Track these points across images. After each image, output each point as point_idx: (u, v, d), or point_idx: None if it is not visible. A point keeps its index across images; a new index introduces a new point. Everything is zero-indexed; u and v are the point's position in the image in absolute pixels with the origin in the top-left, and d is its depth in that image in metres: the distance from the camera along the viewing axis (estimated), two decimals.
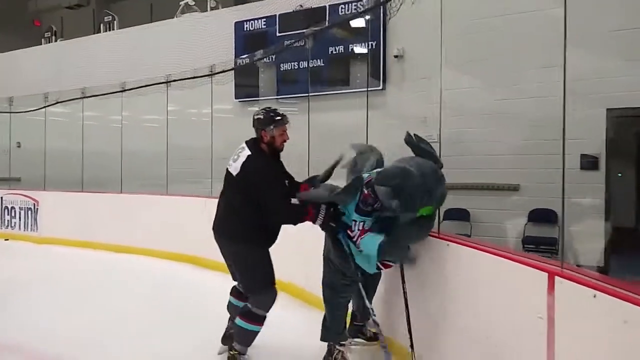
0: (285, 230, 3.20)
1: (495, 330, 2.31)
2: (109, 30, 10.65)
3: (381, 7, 5.46)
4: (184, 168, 7.29)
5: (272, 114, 3.15)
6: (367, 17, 5.31)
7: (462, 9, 5.49)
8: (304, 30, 7.31)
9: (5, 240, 8.32)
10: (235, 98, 8.17)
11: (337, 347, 3.22)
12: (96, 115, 8.49)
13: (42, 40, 12.27)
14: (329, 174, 3.29)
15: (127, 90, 7.40)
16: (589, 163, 5.91)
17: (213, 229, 3.27)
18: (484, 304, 2.42)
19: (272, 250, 3.21)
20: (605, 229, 5.84)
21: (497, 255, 2.38)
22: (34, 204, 8.21)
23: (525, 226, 5.97)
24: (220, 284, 3.83)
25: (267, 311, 3.14)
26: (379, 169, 2.99)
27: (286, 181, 3.23)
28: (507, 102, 5.98)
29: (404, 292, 2.90)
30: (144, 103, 7.58)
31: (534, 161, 5.87)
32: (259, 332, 3.15)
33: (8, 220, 8.55)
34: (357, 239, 2.85)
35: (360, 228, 2.82)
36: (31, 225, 8.24)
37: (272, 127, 3.10)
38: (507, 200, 6.26)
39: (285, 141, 3.18)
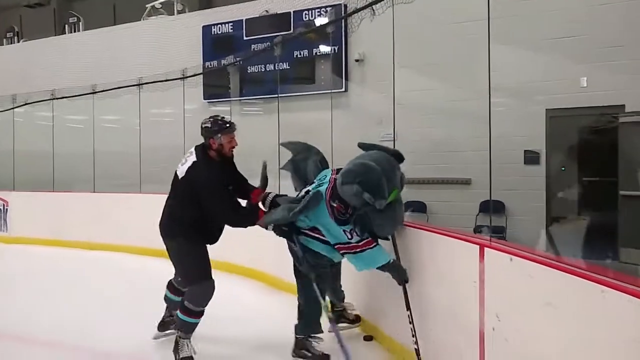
0: None
1: (447, 296, 2.78)
2: (74, 31, 10.71)
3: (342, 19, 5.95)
4: (156, 167, 7.55)
5: (220, 122, 3.22)
6: (330, 29, 5.68)
7: (416, 18, 5.92)
8: (271, 35, 7.74)
9: None
10: (204, 99, 8.47)
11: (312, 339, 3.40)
12: (67, 117, 8.63)
13: (4, 40, 12.18)
14: (264, 182, 3.45)
15: (99, 92, 7.59)
16: (531, 158, 6.54)
17: (159, 228, 3.42)
18: (434, 275, 2.89)
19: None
20: (546, 218, 6.47)
21: (440, 233, 2.86)
22: (3, 205, 8.29)
23: (476, 217, 6.50)
24: None
25: (203, 306, 3.26)
26: (326, 172, 3.30)
27: (230, 187, 3.29)
28: (459, 101, 6.47)
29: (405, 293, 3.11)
30: (115, 105, 7.79)
31: (484, 156, 6.43)
32: (198, 323, 3.30)
33: None
34: (362, 249, 3.05)
35: (355, 235, 3.05)
36: (1, 225, 8.32)
37: (219, 135, 3.18)
38: (460, 193, 6.81)
39: (233, 147, 3.26)
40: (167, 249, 3.40)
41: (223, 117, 3.30)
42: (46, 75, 8.88)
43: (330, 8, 7.43)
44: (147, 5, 9.87)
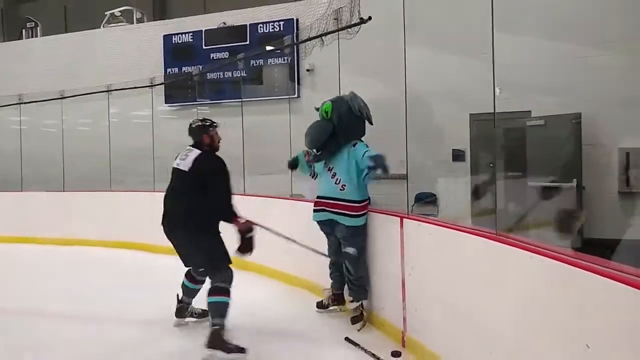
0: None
1: (381, 257, 3.69)
2: (32, 36, 10.99)
3: (294, 31, 6.79)
4: (124, 167, 8.11)
5: (208, 121, 3.76)
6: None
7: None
8: (228, 45, 8.51)
9: None
10: (165, 103, 9.07)
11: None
12: (37, 121, 9.05)
13: None
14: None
15: (67, 97, 8.09)
16: (458, 156, 7.62)
17: (163, 224, 3.56)
18: (371, 242, 3.82)
19: None
20: (471, 207, 7.53)
21: (375, 212, 3.79)
22: None
23: (412, 206, 7.47)
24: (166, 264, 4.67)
25: (231, 284, 3.50)
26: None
27: None
28: (396, 103, 7.42)
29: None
30: (84, 109, 8.31)
31: (417, 153, 7.42)
32: (229, 302, 3.44)
33: None
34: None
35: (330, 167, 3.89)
36: None
37: (211, 130, 3.69)
38: (398, 187, 7.77)
39: (220, 140, 3.75)
40: (179, 242, 3.58)
41: (207, 118, 3.84)
42: (12, 79, 9.21)
43: (282, 22, 8.32)
44: (106, 13, 10.35)
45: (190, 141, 3.72)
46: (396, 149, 7.44)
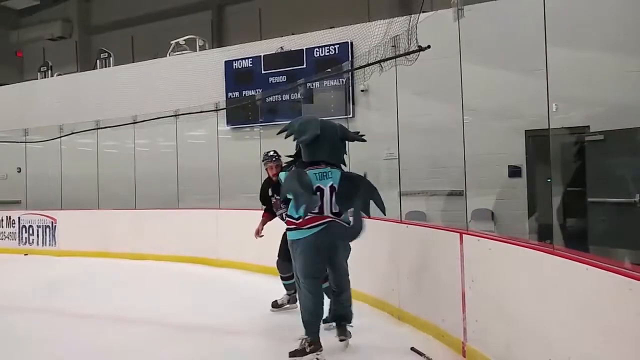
0: None
1: (440, 270, 3.86)
2: (106, 65, 11.87)
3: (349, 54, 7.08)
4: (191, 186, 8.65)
5: (264, 156, 4.78)
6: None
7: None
8: (286, 69, 8.94)
9: (25, 255, 9.45)
10: (227, 125, 9.57)
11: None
12: (113, 143, 9.82)
13: (38, 74, 13.35)
14: None
15: (139, 122, 8.76)
16: (514, 172, 7.63)
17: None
18: (431, 257, 3.99)
19: None
20: (529, 224, 7.50)
21: (434, 228, 3.96)
22: (52, 222, 9.38)
23: (469, 223, 7.52)
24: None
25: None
26: None
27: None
28: (451, 121, 7.52)
29: None
30: (153, 132, 8.96)
31: (474, 170, 7.49)
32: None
33: (26, 238, 9.67)
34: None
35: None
36: (49, 240, 9.39)
37: (265, 166, 4.76)
38: (455, 203, 7.86)
39: (274, 175, 4.67)
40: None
41: (267, 152, 4.71)
42: (91, 106, 10.03)
43: (338, 45, 8.67)
44: (171, 42, 11.07)
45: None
46: (452, 165, 7.64)
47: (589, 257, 2.27)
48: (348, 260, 3.91)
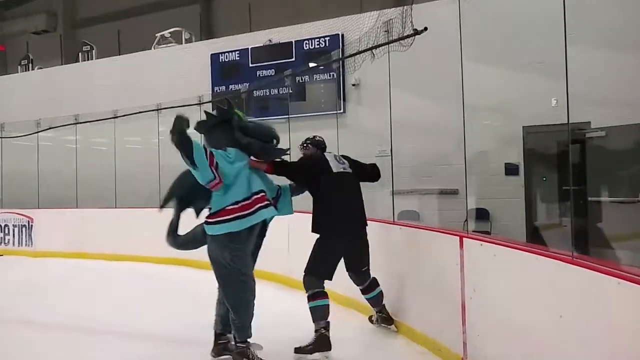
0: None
1: (437, 278, 3.52)
2: (88, 59, 11.43)
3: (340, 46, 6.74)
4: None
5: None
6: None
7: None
8: (274, 62, 8.58)
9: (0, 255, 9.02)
10: None
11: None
12: (93, 140, 9.38)
13: (19, 67, 12.88)
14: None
15: (120, 117, 8.35)
16: (511, 170, 7.33)
17: (346, 229, 3.75)
18: (427, 262, 3.64)
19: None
20: (526, 223, 7.21)
21: (431, 230, 3.62)
22: (28, 221, 8.95)
23: (464, 222, 7.24)
24: None
25: None
26: None
27: None
28: (445, 119, 7.22)
29: None
30: (135, 127, 8.54)
31: (469, 168, 7.19)
32: None
33: (1, 237, 9.23)
34: None
35: None
36: (25, 240, 8.96)
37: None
38: (449, 202, 7.55)
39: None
40: (358, 242, 3.85)
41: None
42: (70, 100, 9.59)
43: (328, 38, 8.31)
44: (156, 34, 10.66)
45: None
46: (447, 163, 7.34)
47: (617, 267, 1.93)
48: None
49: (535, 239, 6.97)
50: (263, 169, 3.62)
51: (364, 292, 3.98)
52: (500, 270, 2.79)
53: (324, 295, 3.64)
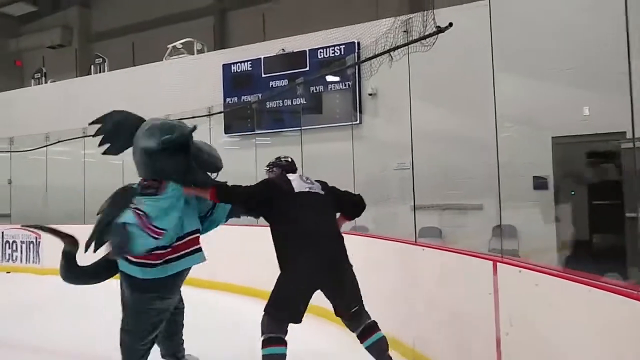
0: None
1: (467, 308, 3.09)
2: (100, 71, 11.31)
3: (355, 54, 6.40)
4: None
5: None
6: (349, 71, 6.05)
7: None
8: (287, 72, 8.26)
9: (7, 273, 8.78)
10: (225, 133, 8.91)
11: None
12: (97, 152, 9.12)
13: (32, 81, 12.84)
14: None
15: None
16: (540, 183, 6.86)
17: (317, 263, 2.99)
18: (455, 288, 3.22)
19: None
20: (557, 240, 6.72)
21: (459, 252, 3.19)
22: (36, 238, 8.71)
23: (490, 241, 6.77)
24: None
25: None
26: None
27: None
28: (469, 130, 6.82)
29: None
30: None
31: (494, 182, 6.74)
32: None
33: (9, 254, 9.00)
34: None
35: None
36: (33, 257, 8.71)
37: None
38: (473, 218, 7.10)
39: None
40: (336, 275, 3.07)
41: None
42: (81, 113, 9.40)
43: (343, 46, 7.97)
44: (168, 46, 10.47)
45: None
46: (470, 177, 6.91)
47: None
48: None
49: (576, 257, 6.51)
50: (205, 197, 3.22)
51: (359, 339, 3.13)
52: (543, 302, 2.36)
53: (281, 342, 2.96)
